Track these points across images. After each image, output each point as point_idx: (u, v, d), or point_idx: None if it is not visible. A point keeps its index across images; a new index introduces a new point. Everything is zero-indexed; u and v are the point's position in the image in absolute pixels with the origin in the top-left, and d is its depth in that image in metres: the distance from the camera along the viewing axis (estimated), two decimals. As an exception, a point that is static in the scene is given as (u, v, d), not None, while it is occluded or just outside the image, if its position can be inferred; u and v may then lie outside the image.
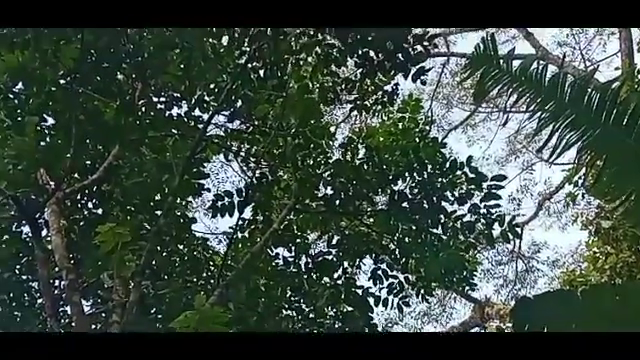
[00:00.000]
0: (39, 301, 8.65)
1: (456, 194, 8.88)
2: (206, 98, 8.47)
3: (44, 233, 7.95)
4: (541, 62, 6.29)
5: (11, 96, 7.61)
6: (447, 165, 8.84)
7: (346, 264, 9.39)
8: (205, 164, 9.29)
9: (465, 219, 8.93)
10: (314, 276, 9.14)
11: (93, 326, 7.91)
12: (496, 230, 9.06)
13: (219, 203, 8.72)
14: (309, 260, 9.20)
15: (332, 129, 10.46)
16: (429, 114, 10.76)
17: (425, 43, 8.23)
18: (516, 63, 6.01)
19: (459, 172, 8.84)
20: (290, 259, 9.17)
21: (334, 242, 9.48)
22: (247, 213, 9.00)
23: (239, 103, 8.56)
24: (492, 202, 8.89)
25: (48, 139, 7.54)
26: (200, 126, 8.32)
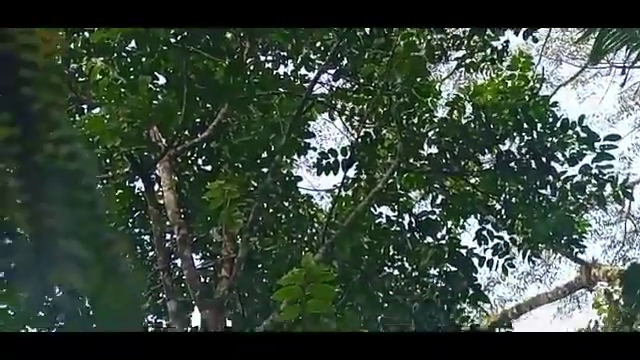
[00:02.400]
0: (150, 254, 9.01)
1: (567, 154, 8.61)
2: (312, 57, 8.48)
3: (156, 188, 8.25)
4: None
5: (124, 55, 7.81)
6: (558, 124, 8.57)
7: (450, 224, 9.32)
8: (310, 122, 9.35)
9: (575, 180, 8.68)
10: (417, 235, 9.10)
11: (202, 279, 8.18)
12: (607, 191, 8.77)
13: (324, 161, 8.78)
14: (412, 219, 9.16)
15: (437, 86, 10.30)
16: (539, 71, 10.41)
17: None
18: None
19: (570, 132, 8.56)
20: (393, 218, 9.16)
21: (438, 202, 9.41)
22: (351, 172, 9.05)
23: (345, 62, 8.54)
24: (604, 162, 8.59)
25: (160, 97, 7.72)
26: (306, 85, 8.36)
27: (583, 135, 8.52)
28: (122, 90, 7.46)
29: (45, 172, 0.87)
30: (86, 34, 8.01)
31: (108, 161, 8.07)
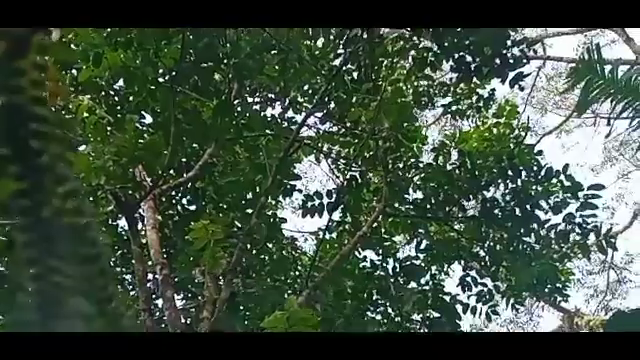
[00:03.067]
0: (132, 293, 8.89)
1: (551, 202, 8.65)
2: (300, 99, 8.53)
3: (139, 227, 8.17)
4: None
5: (112, 93, 7.82)
6: (542, 173, 8.63)
7: (434, 269, 9.31)
8: (296, 164, 9.36)
9: (559, 228, 8.71)
10: (401, 280, 9.07)
11: (184, 320, 8.08)
12: (590, 240, 8.81)
13: (309, 204, 8.77)
14: (396, 264, 9.14)
15: (423, 131, 10.37)
16: (525, 120, 10.53)
17: (523, 47, 8.07)
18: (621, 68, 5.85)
19: (554, 180, 8.63)
20: (377, 262, 9.14)
21: (422, 247, 9.40)
22: (336, 215, 9.04)
23: (332, 105, 8.59)
24: (588, 212, 8.64)
25: (146, 136, 7.70)
26: (293, 127, 8.39)
27: (567, 184, 8.59)
28: (109, 128, 7.45)
29: (52, 227, 0.87)
30: (74, 72, 8.01)
31: (92, 199, 8.00)
